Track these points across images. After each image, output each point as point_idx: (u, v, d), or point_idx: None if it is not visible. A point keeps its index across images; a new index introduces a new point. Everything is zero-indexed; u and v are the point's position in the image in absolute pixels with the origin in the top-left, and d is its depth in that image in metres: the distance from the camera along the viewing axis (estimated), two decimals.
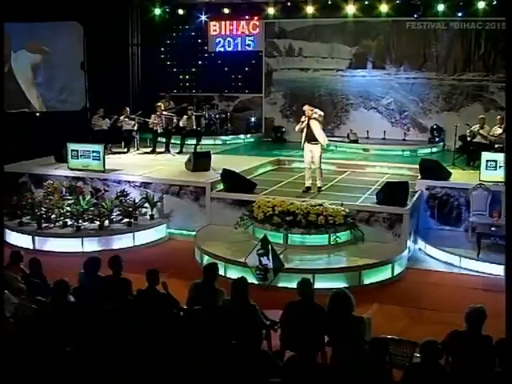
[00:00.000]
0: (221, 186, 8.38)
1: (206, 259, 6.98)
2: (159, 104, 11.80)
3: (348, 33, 12.85)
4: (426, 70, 12.38)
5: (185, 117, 11.60)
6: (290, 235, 6.98)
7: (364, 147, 11.74)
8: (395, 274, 6.78)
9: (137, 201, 8.40)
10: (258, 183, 8.76)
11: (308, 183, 8.34)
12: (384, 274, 6.67)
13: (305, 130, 8.13)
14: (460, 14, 11.79)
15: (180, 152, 11.16)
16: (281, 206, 7.20)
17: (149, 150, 11.46)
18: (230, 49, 14.11)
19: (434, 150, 11.89)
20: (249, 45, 13.94)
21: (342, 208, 7.16)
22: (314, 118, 8.03)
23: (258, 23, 13.70)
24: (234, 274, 6.57)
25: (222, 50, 14.21)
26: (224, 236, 7.50)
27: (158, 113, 11.54)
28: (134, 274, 5.25)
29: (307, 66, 13.34)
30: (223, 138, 13.22)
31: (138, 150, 11.54)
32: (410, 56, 12.48)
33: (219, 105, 14.27)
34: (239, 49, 14.01)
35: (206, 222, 8.13)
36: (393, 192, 7.26)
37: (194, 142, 11.48)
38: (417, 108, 12.58)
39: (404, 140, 12.42)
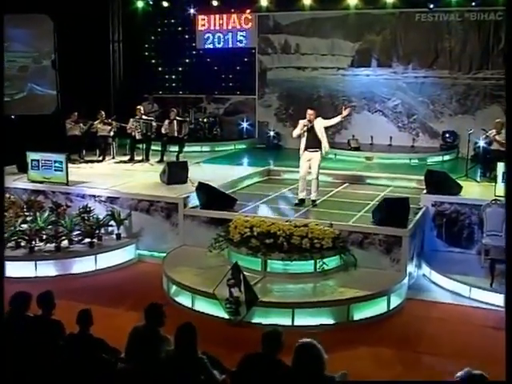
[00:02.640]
0: (196, 202, 7.98)
1: (174, 289, 6.60)
2: (139, 107, 11.53)
3: (350, 27, 12.61)
4: (438, 68, 12.07)
5: (166, 121, 11.31)
6: (269, 261, 6.55)
7: (366, 155, 11.43)
8: (392, 307, 6.28)
9: (102, 218, 8.01)
10: (241, 197, 8.46)
11: (302, 195, 7.99)
12: (378, 308, 6.18)
13: (305, 136, 7.79)
14: (476, 4, 11.34)
15: (161, 161, 10.89)
16: (260, 226, 6.80)
17: (127, 158, 11.19)
18: (220, 45, 13.90)
19: (447, 158, 11.51)
20: (240, 41, 13.72)
21: (331, 229, 6.72)
22: (318, 123, 7.76)
23: (250, 17, 13.48)
24: (202, 306, 6.21)
25: (211, 46, 14.00)
26: (196, 260, 7.11)
27: (137, 117, 11.27)
28: (91, 304, 4.78)
29: (305, 65, 13.13)
30: (211, 144, 12.95)
31: (114, 158, 11.31)
32: (420, 52, 12.17)
33: (208, 107, 14.06)
34: (230, 45, 13.80)
35: (179, 243, 7.79)
36: (391, 210, 6.80)
37: (177, 149, 11.19)
38: (427, 111, 12.26)
39: (412, 147, 12.14)
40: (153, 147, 11.47)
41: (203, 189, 7.87)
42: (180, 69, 14.41)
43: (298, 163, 9.70)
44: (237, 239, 6.81)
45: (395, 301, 6.35)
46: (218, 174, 9.55)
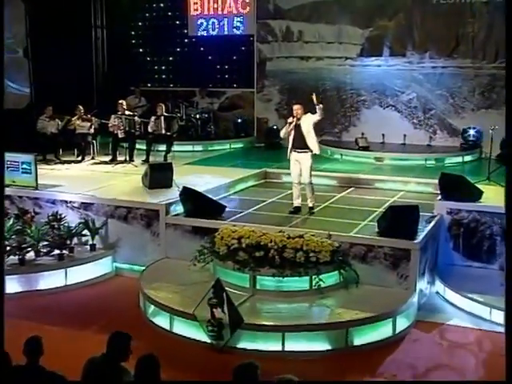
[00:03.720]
0: (180, 209, 7.88)
1: (152, 309, 6.44)
2: (121, 101, 11.43)
3: (359, 11, 12.56)
4: (459, 57, 11.92)
5: (152, 118, 11.25)
6: (258, 277, 6.40)
7: (376, 156, 11.26)
8: (398, 330, 6.08)
9: (74, 226, 7.90)
10: (232, 204, 8.37)
11: (297, 202, 7.87)
12: (382, 332, 5.98)
13: (292, 135, 7.66)
14: None
15: (146, 161, 10.80)
16: (249, 237, 6.64)
17: (108, 158, 11.13)
18: (215, 32, 13.89)
19: (468, 158, 11.32)
20: (237, 27, 13.69)
21: (329, 241, 6.56)
22: (306, 119, 7.63)
23: (248, 0, 13.41)
24: (181, 329, 6.07)
25: (204, 33, 13.99)
26: (178, 275, 6.99)
27: (119, 112, 11.20)
28: (56, 325, 4.61)
29: (309, 54, 13.08)
30: (204, 143, 12.90)
31: (93, 158, 11.26)
32: (438, 39, 12.04)
33: (201, 102, 14.03)
34: (226, 32, 13.78)
35: (161, 255, 7.69)
36: (398, 219, 6.63)
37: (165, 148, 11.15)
38: (446, 105, 12.13)
39: (429, 146, 12.01)
40: (138, 146, 11.38)
41: (188, 194, 7.75)
42: (170, 58, 14.39)
43: None
44: (223, 252, 6.67)
45: (402, 323, 6.17)
46: (208, 177, 9.47)
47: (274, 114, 13.44)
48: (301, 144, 7.62)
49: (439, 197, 7.87)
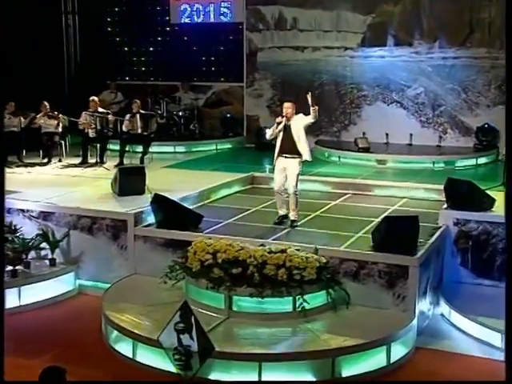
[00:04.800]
0: (152, 219, 7.79)
1: (115, 335, 6.32)
2: (93, 98, 11.44)
3: None
4: (473, 46, 11.91)
5: (127, 115, 11.26)
6: (234, 297, 6.30)
7: (378, 158, 11.26)
8: (393, 359, 5.95)
9: (31, 239, 7.78)
10: (211, 212, 8.30)
11: (282, 211, 7.77)
12: (375, 361, 5.85)
13: (280, 137, 7.55)
14: None
15: (120, 164, 10.82)
16: (226, 251, 6.53)
17: (78, 160, 11.11)
18: (200, 20, 13.99)
19: (482, 161, 11.30)
20: (224, 14, 13.78)
21: (316, 256, 6.45)
22: (298, 120, 7.54)
23: None
24: (146, 357, 5.92)
25: (188, 21, 14.07)
26: (146, 294, 6.89)
27: (90, 109, 11.20)
28: (6, 355, 4.47)
29: (304, 44, 13.13)
30: (187, 144, 12.93)
31: (60, 161, 11.23)
32: (450, 26, 12.09)
33: (184, 97, 14.06)
34: (212, 20, 13.87)
35: (129, 271, 7.61)
36: (395, 232, 6.49)
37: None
38: (458, 101, 12.16)
39: (439, 146, 12.01)
40: (113, 147, 11.43)
41: (159, 202, 7.65)
42: (150, 49, 14.48)
43: None
44: (196, 268, 6.55)
45: (399, 351, 6.05)
46: (186, 183, 9.45)
47: (265, 111, 13.44)
48: (290, 148, 7.50)
49: (445, 205, 7.79)
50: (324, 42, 12.87)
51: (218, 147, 13.04)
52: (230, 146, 13.21)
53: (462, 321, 6.69)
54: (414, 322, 6.33)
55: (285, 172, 7.59)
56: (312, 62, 12.98)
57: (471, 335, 6.55)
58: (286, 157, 7.55)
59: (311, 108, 7.38)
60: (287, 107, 7.51)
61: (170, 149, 12.57)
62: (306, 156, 7.54)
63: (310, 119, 7.43)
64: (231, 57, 13.70)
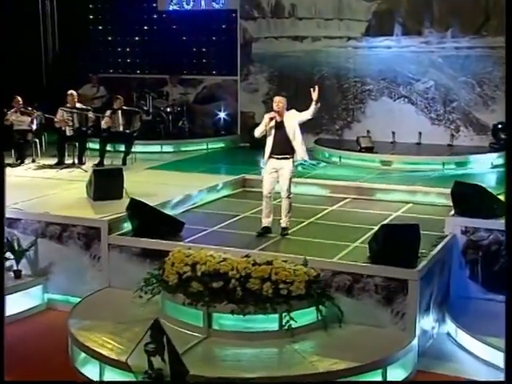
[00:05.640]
0: (128, 226, 7.77)
1: (83, 356, 6.24)
2: (71, 92, 11.45)
3: None
4: (489, 35, 11.89)
5: (108, 112, 11.31)
6: (215, 314, 6.23)
7: (383, 158, 11.23)
8: None
9: None
10: (195, 219, 8.29)
11: (267, 222, 7.70)
12: None
13: (271, 135, 7.47)
14: None
15: (99, 165, 10.84)
16: (206, 263, 6.45)
17: (54, 161, 11.14)
18: (190, 7, 14.08)
19: (498, 162, 11.11)
20: (216, 1, 13.90)
21: (305, 268, 6.37)
22: (291, 116, 7.47)
23: None
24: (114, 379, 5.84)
25: (177, 8, 14.17)
26: (120, 310, 6.84)
27: (68, 105, 11.25)
28: None
29: (303, 34, 13.18)
30: (176, 143, 12.99)
31: (34, 161, 11.28)
32: (463, 12, 12.09)
33: (172, 92, 14.09)
34: (203, 7, 13.96)
35: (102, 284, 7.57)
36: (393, 241, 6.42)
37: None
38: (472, 95, 12.17)
39: (450, 146, 12.03)
40: (93, 146, 11.44)
41: (136, 208, 7.60)
42: (136, 39, 14.56)
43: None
44: (173, 281, 6.47)
45: (397, 374, 5.96)
46: (170, 186, 9.48)
47: (261, 107, 13.37)
48: (283, 148, 7.42)
49: (452, 212, 7.74)
50: (325, 31, 12.91)
51: (210, 147, 13.07)
52: (222, 145, 13.23)
53: (470, 341, 6.59)
54: (415, 342, 6.24)
55: (276, 174, 7.53)
56: (312, 53, 13.00)
57: (479, 357, 6.44)
58: (278, 158, 7.47)
59: (314, 104, 7.29)
60: (279, 101, 7.41)
61: (157, 148, 12.62)
62: (304, 155, 7.49)
63: (307, 115, 7.36)
64: (224, 48, 13.75)
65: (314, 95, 7.31)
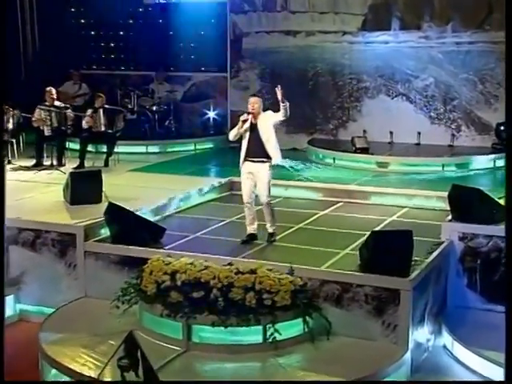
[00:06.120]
0: (106, 233, 7.76)
1: (53, 373, 6.21)
2: (49, 89, 11.43)
3: None
4: (492, 29, 11.88)
5: (89, 110, 11.33)
6: (194, 326, 6.21)
7: (379, 160, 11.23)
8: None
9: None
10: (178, 224, 8.34)
11: (252, 229, 7.71)
12: None
13: (246, 138, 7.54)
14: None
15: (79, 166, 10.85)
16: (186, 271, 6.42)
17: (32, 162, 11.15)
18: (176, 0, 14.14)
19: (501, 163, 11.06)
20: None
21: (291, 277, 6.34)
22: (266, 118, 7.51)
23: None
24: None
25: (163, 1, 14.26)
26: (96, 321, 6.82)
27: (46, 103, 11.25)
28: None
29: (296, 28, 13.17)
30: (162, 143, 13.01)
31: (10, 162, 11.22)
32: (464, 6, 12.01)
33: (158, 90, 14.07)
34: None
35: (78, 294, 7.57)
36: (384, 249, 6.39)
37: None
38: (473, 93, 12.15)
39: (451, 146, 12.03)
40: (72, 147, 11.46)
41: (114, 213, 7.59)
42: (121, 33, 14.58)
43: (280, 170, 9.49)
44: (151, 291, 6.44)
45: None
46: (153, 189, 9.49)
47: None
48: (257, 151, 7.47)
49: (449, 217, 7.75)
50: (319, 25, 12.88)
51: (198, 147, 13.07)
52: (211, 145, 13.21)
53: (467, 354, 6.55)
54: (407, 355, 6.22)
55: (254, 179, 7.56)
56: (305, 48, 12.99)
57: (477, 372, 6.40)
58: (253, 161, 7.51)
59: (281, 104, 7.31)
60: (253, 102, 7.45)
61: (142, 149, 12.61)
62: (277, 159, 7.50)
63: (279, 117, 7.39)
64: (213, 43, 13.69)
65: (279, 94, 7.34)
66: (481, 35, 11.94)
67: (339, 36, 12.79)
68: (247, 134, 7.47)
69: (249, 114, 7.42)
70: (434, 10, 12.19)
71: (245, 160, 7.54)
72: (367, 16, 12.58)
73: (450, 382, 6.20)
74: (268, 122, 7.44)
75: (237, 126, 7.55)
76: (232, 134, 7.65)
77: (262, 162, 7.49)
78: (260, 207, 7.70)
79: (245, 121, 7.44)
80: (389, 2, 12.44)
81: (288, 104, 7.34)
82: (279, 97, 7.32)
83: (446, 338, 6.91)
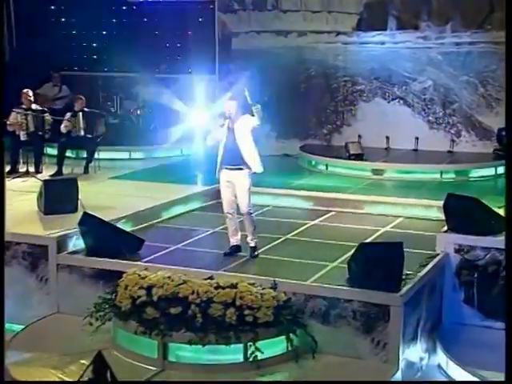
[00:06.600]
0: (80, 244, 7.68)
1: None
2: (26, 91, 11.40)
3: None
4: (494, 29, 11.94)
5: (68, 114, 11.32)
6: (171, 344, 6.17)
7: (375, 167, 11.22)
8: None
9: None
10: (159, 235, 8.28)
11: (235, 240, 7.66)
12: None
13: (223, 144, 7.47)
14: None
15: (57, 173, 10.86)
16: (163, 286, 6.38)
17: (7, 169, 10.91)
18: None
19: (503, 171, 10.89)
20: None
21: (274, 292, 6.31)
22: (244, 122, 7.43)
23: None
24: None
25: None
26: (68, 339, 6.77)
27: (23, 106, 11.24)
28: None
29: (288, 28, 13.21)
30: (146, 149, 13.00)
31: None
32: (464, 4, 12.07)
33: (143, 93, 14.10)
34: None
35: (51, 309, 7.52)
36: (373, 262, 6.35)
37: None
38: (474, 96, 12.18)
39: (450, 153, 12.04)
40: (51, 152, 11.47)
41: (89, 223, 7.54)
42: (103, 33, 14.68)
43: (270, 178, 9.41)
44: (126, 307, 6.40)
45: None
46: (134, 197, 9.47)
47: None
48: (234, 158, 7.38)
49: (445, 227, 7.71)
50: (312, 25, 12.93)
51: (184, 152, 12.99)
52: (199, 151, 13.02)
53: (463, 374, 6.47)
54: (398, 375, 6.18)
55: (231, 188, 7.48)
56: (297, 49, 13.03)
57: None
58: (229, 169, 7.44)
59: (253, 108, 7.24)
60: (229, 105, 7.38)
61: (125, 155, 12.60)
62: (255, 167, 7.39)
63: (255, 121, 7.29)
64: (200, 43, 13.73)
65: (247, 97, 7.33)
66: (482, 35, 11.98)
67: (333, 36, 12.85)
68: (224, 140, 7.38)
69: (226, 118, 7.34)
70: (433, 8, 12.25)
71: (222, 168, 7.48)
72: (362, 15, 12.65)
73: (450, 382, 6.29)
74: (245, 127, 7.35)
75: (213, 131, 7.50)
76: (208, 140, 7.61)
77: (240, 169, 7.39)
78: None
79: (221, 125, 7.35)
80: (385, 1, 12.47)
81: (260, 106, 7.27)
82: (248, 100, 7.28)
83: (441, 357, 6.86)
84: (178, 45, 14.11)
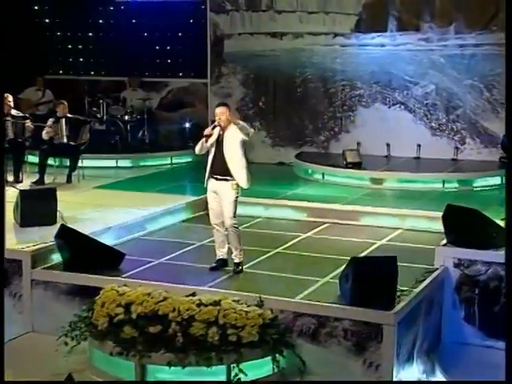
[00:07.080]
0: (58, 258, 7.68)
1: None
2: (6, 95, 11.34)
3: None
4: (499, 30, 11.88)
5: (50, 120, 11.37)
6: (149, 365, 6.11)
7: (373, 176, 11.25)
8: None
9: None
10: (142, 249, 8.26)
11: (221, 253, 7.66)
12: None
13: (212, 153, 7.48)
14: None
15: (39, 182, 10.91)
16: (142, 303, 6.36)
17: None
18: None
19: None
20: None
21: (260, 310, 6.28)
22: (235, 132, 7.39)
23: None
24: None
25: None
26: (41, 360, 6.73)
27: (4, 111, 11.16)
28: None
29: (283, 29, 13.26)
30: (135, 157, 13.08)
31: None
32: (468, 5, 12.08)
33: (131, 97, 14.12)
34: None
35: (24, 328, 7.49)
36: (365, 278, 6.32)
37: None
38: (479, 101, 12.21)
39: (454, 160, 12.04)
40: (32, 160, 11.49)
41: (66, 236, 7.53)
42: (90, 34, 14.69)
43: (263, 188, 9.34)
44: (102, 325, 6.37)
45: None
46: (119, 208, 9.45)
47: (234, 114, 13.17)
48: (221, 168, 7.39)
49: (444, 241, 7.71)
50: (308, 26, 12.97)
51: (174, 161, 13.12)
52: (189, 159, 13.10)
53: None
54: None
55: (219, 198, 7.49)
56: (293, 52, 13.07)
57: None
58: (217, 178, 7.44)
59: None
60: (221, 113, 7.34)
61: (111, 163, 12.64)
62: (242, 181, 7.37)
63: (243, 136, 7.28)
64: (192, 45, 13.84)
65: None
66: (487, 37, 11.99)
67: (330, 38, 12.87)
68: (213, 149, 7.40)
69: (214, 127, 7.34)
70: (435, 8, 12.26)
71: (209, 177, 7.49)
72: (361, 16, 12.67)
73: (451, 382, 6.38)
74: (235, 137, 7.33)
75: (201, 140, 7.48)
76: (197, 148, 7.61)
77: (226, 180, 7.39)
78: None
79: (209, 135, 7.36)
80: (385, 1, 12.48)
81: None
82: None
83: (439, 379, 6.78)
84: (168, 47, 14.10)
